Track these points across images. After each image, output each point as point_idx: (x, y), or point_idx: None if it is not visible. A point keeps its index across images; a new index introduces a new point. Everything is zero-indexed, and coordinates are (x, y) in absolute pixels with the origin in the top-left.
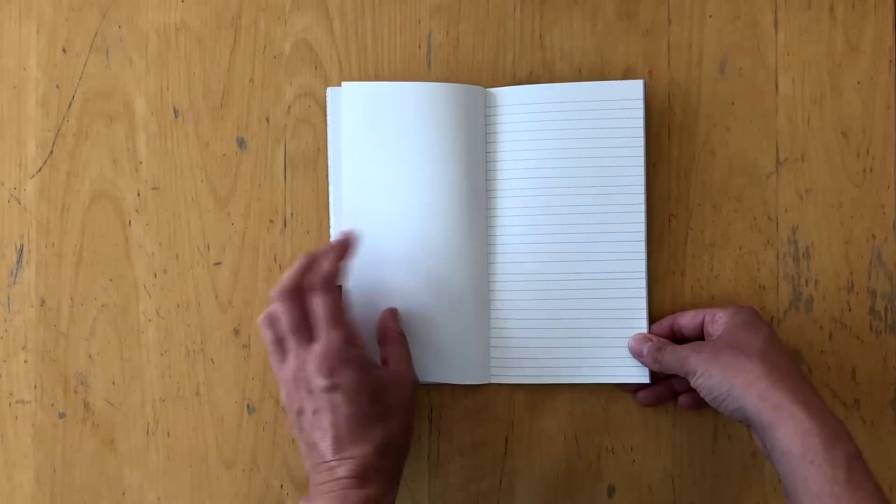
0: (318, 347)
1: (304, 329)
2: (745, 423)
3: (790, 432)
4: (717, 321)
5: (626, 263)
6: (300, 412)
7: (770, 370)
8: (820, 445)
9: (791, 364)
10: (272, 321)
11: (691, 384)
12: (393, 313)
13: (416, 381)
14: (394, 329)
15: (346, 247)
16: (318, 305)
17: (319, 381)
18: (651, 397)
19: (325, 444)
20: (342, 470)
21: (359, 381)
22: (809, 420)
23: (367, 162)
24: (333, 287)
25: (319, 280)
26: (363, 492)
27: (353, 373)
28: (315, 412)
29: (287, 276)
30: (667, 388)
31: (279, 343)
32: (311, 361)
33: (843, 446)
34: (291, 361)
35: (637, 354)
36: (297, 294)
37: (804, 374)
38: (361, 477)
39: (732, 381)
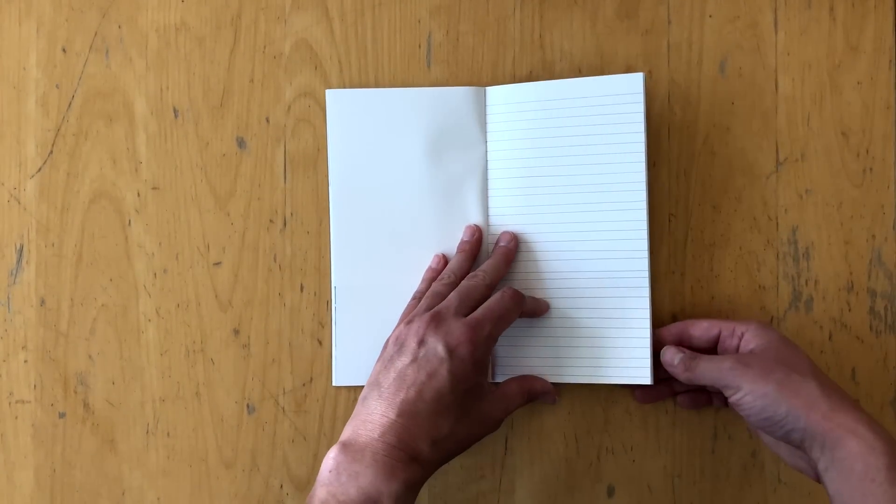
0: (470, 321)
1: (476, 303)
2: (797, 445)
3: (854, 451)
4: (741, 336)
5: (628, 262)
6: (399, 352)
7: (827, 391)
8: (883, 465)
9: (837, 384)
10: (451, 278)
11: (731, 400)
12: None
13: (502, 421)
14: (539, 382)
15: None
16: (500, 301)
17: (439, 346)
18: (648, 395)
19: (398, 398)
20: (394, 436)
21: (468, 373)
22: (875, 438)
23: (363, 166)
24: (519, 303)
25: (516, 293)
26: (406, 472)
27: (470, 364)
28: (412, 363)
29: (475, 251)
30: (666, 387)
31: (438, 294)
32: (455, 324)
33: None
34: (439, 307)
35: (668, 364)
36: (486, 284)
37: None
38: (409, 456)
39: (791, 401)
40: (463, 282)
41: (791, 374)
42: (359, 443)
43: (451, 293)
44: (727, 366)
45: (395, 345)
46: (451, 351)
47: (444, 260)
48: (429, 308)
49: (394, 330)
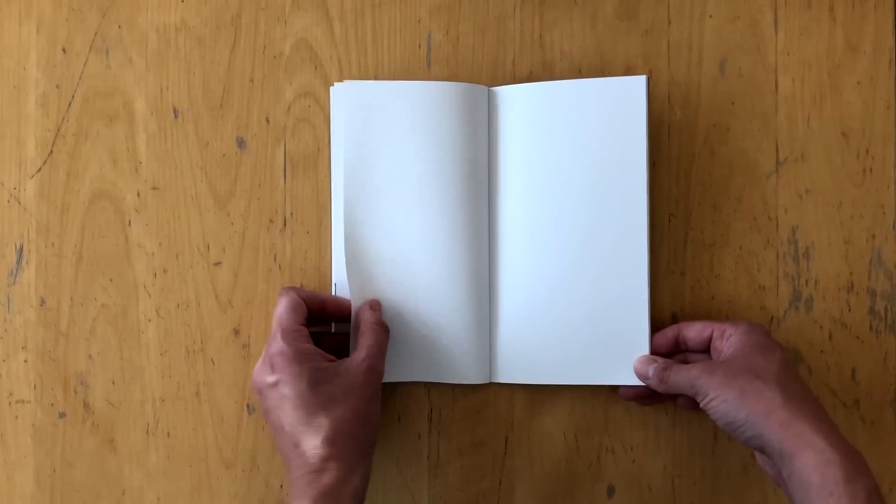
0: (264, 352)
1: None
2: (759, 450)
3: (811, 463)
4: (728, 338)
5: (627, 263)
6: (264, 416)
7: (789, 398)
8: (841, 478)
9: (808, 391)
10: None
11: (701, 406)
12: (372, 304)
13: (373, 367)
14: (366, 320)
15: (338, 306)
16: (274, 314)
17: (265, 380)
18: (631, 392)
19: (281, 441)
20: (298, 464)
21: (298, 373)
22: (831, 451)
23: (367, 160)
24: (286, 291)
25: (282, 289)
26: (319, 483)
27: (293, 366)
28: (267, 412)
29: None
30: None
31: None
32: (258, 366)
33: (864, 480)
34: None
35: (643, 377)
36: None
37: (820, 402)
38: (317, 469)
39: (751, 408)
40: None
41: (755, 380)
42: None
43: None
44: (694, 374)
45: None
46: (261, 385)
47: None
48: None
49: None
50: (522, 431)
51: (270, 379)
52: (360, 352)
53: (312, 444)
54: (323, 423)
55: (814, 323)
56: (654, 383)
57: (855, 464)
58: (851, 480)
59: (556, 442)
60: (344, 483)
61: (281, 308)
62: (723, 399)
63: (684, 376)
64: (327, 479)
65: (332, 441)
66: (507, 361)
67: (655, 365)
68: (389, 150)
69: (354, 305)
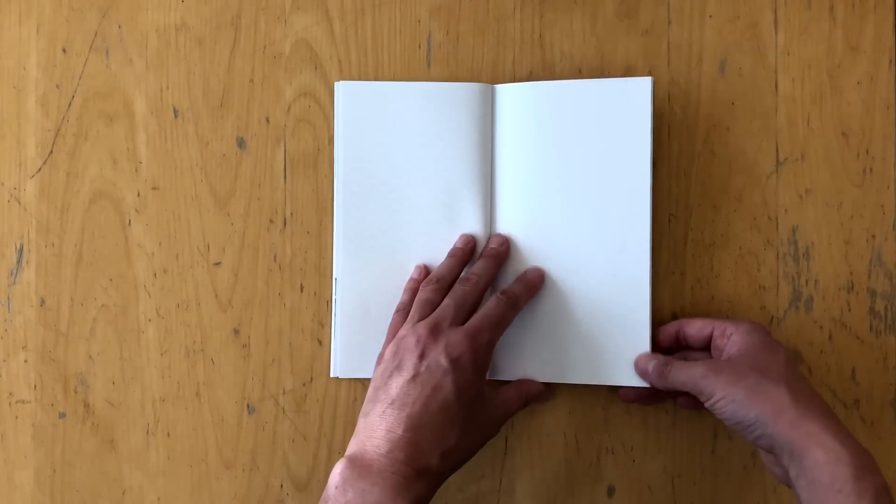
0: (469, 329)
1: (471, 309)
2: (767, 450)
3: (820, 461)
4: (729, 337)
5: (629, 263)
6: (400, 367)
7: (797, 397)
8: (850, 476)
9: (813, 390)
10: (439, 285)
11: (707, 405)
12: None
13: (499, 429)
14: (534, 385)
15: (535, 281)
16: (496, 307)
17: (441, 357)
18: (632, 395)
19: (403, 413)
20: (403, 452)
21: (472, 382)
22: (841, 449)
23: (367, 160)
24: (514, 304)
25: (509, 294)
26: (416, 488)
27: (473, 373)
28: (415, 377)
29: (467, 258)
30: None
31: (429, 302)
32: (454, 334)
33: (872, 478)
34: (435, 318)
35: (643, 373)
36: (478, 288)
37: (825, 400)
38: (419, 472)
39: (760, 408)
40: (456, 287)
41: (762, 379)
42: (365, 459)
43: (446, 300)
44: (699, 373)
45: (394, 359)
46: (453, 362)
47: (426, 270)
48: (422, 317)
49: (386, 342)
50: (522, 431)
51: (447, 360)
52: (513, 403)
53: (429, 448)
54: (451, 437)
55: (814, 323)
56: (654, 379)
57: (864, 462)
58: (860, 478)
59: (556, 442)
60: (428, 497)
61: (509, 314)
62: (731, 399)
63: (687, 374)
64: (422, 490)
65: (444, 458)
66: (507, 360)
67: (656, 361)
68: (391, 150)
69: (348, 300)
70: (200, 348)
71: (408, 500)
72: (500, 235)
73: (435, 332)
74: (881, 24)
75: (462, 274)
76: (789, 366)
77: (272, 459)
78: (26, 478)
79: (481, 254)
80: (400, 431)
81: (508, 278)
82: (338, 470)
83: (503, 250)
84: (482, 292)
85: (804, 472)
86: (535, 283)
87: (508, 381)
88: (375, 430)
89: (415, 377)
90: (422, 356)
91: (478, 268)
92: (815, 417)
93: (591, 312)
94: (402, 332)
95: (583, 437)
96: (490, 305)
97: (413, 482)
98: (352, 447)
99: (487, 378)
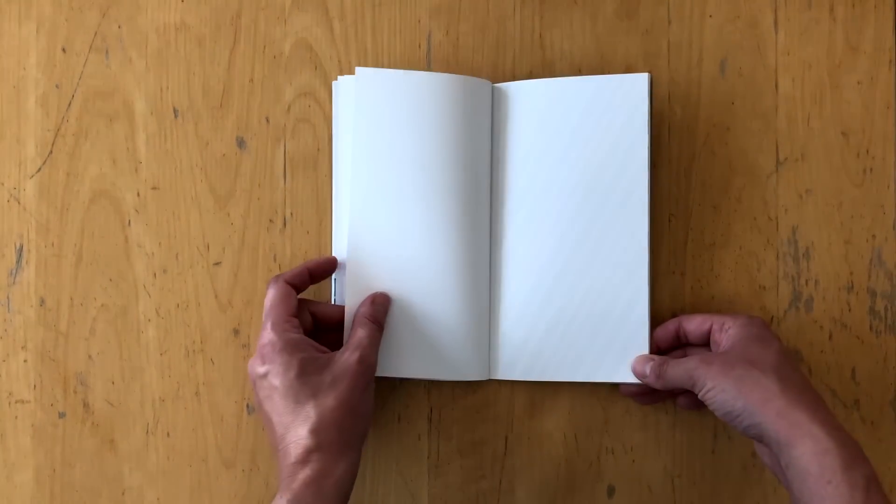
0: (257, 343)
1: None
2: (757, 439)
3: (808, 451)
4: (726, 331)
5: (628, 260)
6: (257, 409)
7: (786, 387)
8: (839, 466)
9: (805, 380)
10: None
11: (699, 397)
12: (375, 298)
13: (363, 358)
14: (361, 313)
15: (322, 265)
16: (268, 288)
17: (256, 371)
18: (633, 389)
19: (271, 433)
20: (286, 455)
21: (287, 362)
22: (829, 440)
23: (372, 151)
24: (277, 281)
25: (271, 279)
26: (302, 473)
27: (282, 356)
28: (258, 404)
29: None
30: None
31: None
32: (252, 358)
33: (861, 468)
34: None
35: (640, 375)
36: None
37: (817, 391)
38: (301, 461)
39: (748, 397)
40: None
41: (752, 370)
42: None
43: None
44: (692, 365)
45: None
46: (254, 375)
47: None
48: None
49: None
50: (522, 431)
51: (261, 370)
52: (351, 343)
53: (298, 434)
54: (310, 413)
55: (814, 323)
56: (651, 380)
57: (852, 452)
58: (849, 468)
59: (556, 442)
60: (327, 475)
61: (269, 298)
62: (720, 389)
63: (682, 369)
64: (310, 470)
65: (317, 432)
66: (506, 358)
67: (652, 363)
68: (392, 142)
69: (352, 297)
70: (200, 348)
71: (299, 481)
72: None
73: (251, 369)
74: (881, 24)
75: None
76: (781, 356)
77: (272, 459)
78: (26, 478)
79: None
80: (276, 449)
81: (508, 275)
82: None
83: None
84: (282, 280)
85: (793, 461)
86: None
87: (510, 383)
88: (277, 459)
89: (257, 408)
90: (253, 384)
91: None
92: (803, 407)
93: (590, 309)
94: None
95: (583, 437)
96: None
97: (299, 470)
98: None
99: (493, 378)
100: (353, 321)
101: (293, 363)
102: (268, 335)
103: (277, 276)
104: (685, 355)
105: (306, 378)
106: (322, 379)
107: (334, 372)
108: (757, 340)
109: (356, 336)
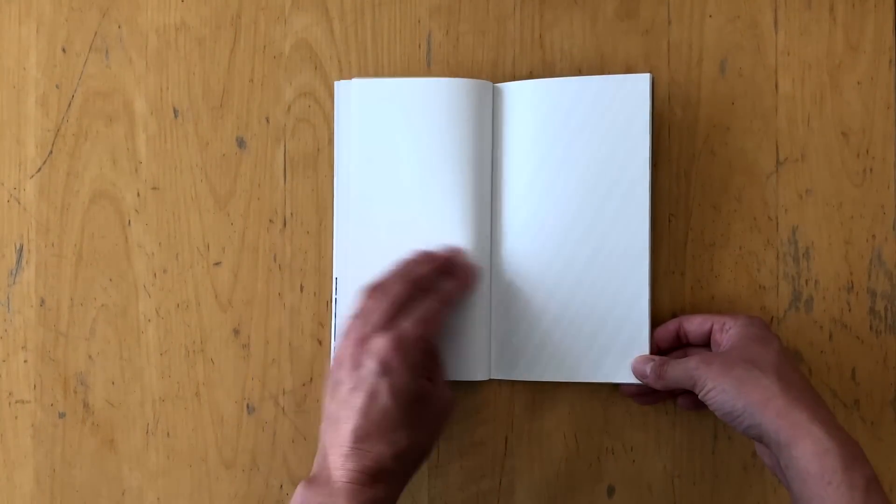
0: (391, 334)
1: (395, 314)
2: (757, 439)
3: (808, 452)
4: (727, 330)
5: (629, 260)
6: (338, 382)
7: (787, 387)
8: (839, 466)
9: (805, 381)
10: (379, 292)
11: (700, 397)
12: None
13: (455, 401)
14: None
15: (466, 275)
16: (426, 305)
17: (371, 364)
18: (633, 388)
19: (348, 427)
20: (354, 462)
21: (407, 382)
22: (829, 440)
23: (372, 157)
24: (446, 301)
25: (441, 291)
26: (370, 492)
27: (406, 373)
28: (352, 389)
29: (415, 266)
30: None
31: (368, 313)
32: (377, 342)
33: (861, 469)
34: (362, 330)
35: (641, 376)
36: (413, 286)
37: (817, 391)
38: (372, 476)
39: (749, 397)
40: (390, 288)
41: (752, 370)
42: (322, 476)
43: (381, 305)
44: (692, 365)
45: (336, 372)
46: (383, 366)
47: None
48: (358, 325)
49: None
50: (522, 431)
51: (376, 367)
52: (444, 383)
53: (379, 451)
54: (401, 439)
55: (814, 323)
56: (651, 381)
57: (852, 452)
58: (849, 469)
59: (556, 442)
60: (389, 501)
61: (436, 308)
62: (721, 389)
63: (682, 369)
64: (380, 492)
65: (398, 458)
66: (506, 358)
67: (653, 363)
68: (393, 147)
69: (347, 300)
70: (200, 348)
71: (361, 503)
72: (451, 247)
73: (363, 340)
74: (881, 24)
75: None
76: (782, 356)
77: (272, 459)
78: (26, 478)
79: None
80: (348, 446)
81: (509, 274)
82: (298, 490)
83: (449, 257)
84: (411, 292)
85: (793, 462)
86: (467, 278)
87: (511, 384)
88: (329, 446)
89: (352, 389)
90: (355, 367)
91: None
92: (803, 407)
93: (590, 309)
94: (338, 345)
95: (583, 437)
96: (420, 305)
97: (369, 487)
98: (313, 468)
99: (493, 378)
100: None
101: (412, 387)
102: (408, 343)
103: (447, 295)
104: (685, 355)
105: (414, 407)
106: (424, 414)
107: (436, 410)
108: (757, 340)
109: (443, 373)
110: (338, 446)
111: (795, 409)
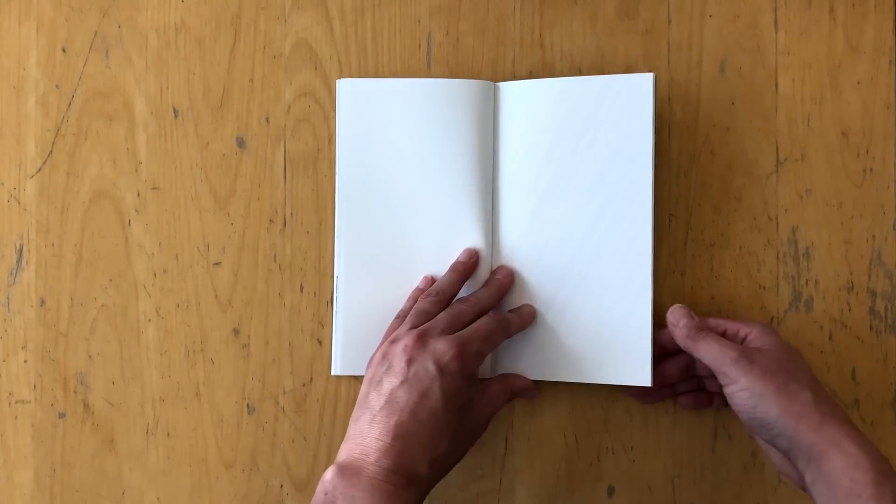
0: (455, 339)
1: (464, 325)
2: (784, 452)
3: (840, 466)
4: (744, 338)
5: (631, 263)
6: (386, 373)
7: (819, 402)
8: (869, 481)
9: (831, 396)
10: (441, 295)
11: (725, 390)
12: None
13: (485, 428)
14: (520, 380)
15: (529, 317)
16: (488, 322)
17: (429, 364)
18: (648, 395)
19: (392, 420)
20: (391, 459)
21: (461, 390)
22: (861, 455)
23: (373, 157)
24: (506, 328)
25: (504, 318)
26: (405, 495)
27: (462, 381)
28: (403, 384)
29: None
30: (666, 387)
31: (423, 314)
32: (442, 342)
33: (891, 484)
34: (426, 326)
35: (672, 324)
36: (478, 305)
37: (842, 406)
38: (408, 479)
39: (785, 408)
40: (454, 303)
41: (790, 381)
42: (354, 466)
43: (441, 313)
44: (733, 355)
45: (383, 364)
46: (441, 368)
47: (433, 281)
48: (414, 326)
49: (378, 348)
50: (522, 431)
51: (434, 366)
52: (498, 399)
53: (417, 456)
54: (440, 446)
55: (814, 323)
56: (680, 336)
57: (883, 468)
58: (879, 483)
59: (556, 442)
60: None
61: (503, 328)
62: (758, 394)
63: (719, 351)
64: (413, 496)
65: (433, 465)
66: (507, 358)
67: (689, 320)
68: (393, 148)
69: (349, 297)
70: (200, 348)
71: (401, 497)
72: (505, 267)
73: (423, 339)
74: (881, 24)
75: (462, 293)
76: (810, 370)
77: (272, 459)
78: (26, 478)
79: (486, 282)
80: (389, 440)
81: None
82: (327, 477)
83: (507, 282)
84: (478, 314)
85: (823, 476)
86: (528, 318)
87: None
88: (365, 437)
89: (403, 383)
90: (410, 362)
91: (480, 292)
92: (835, 423)
93: (592, 309)
94: (392, 337)
95: (583, 437)
96: (482, 320)
97: (403, 490)
98: (342, 454)
99: (490, 376)
100: (508, 377)
101: (463, 396)
102: (472, 352)
103: (516, 322)
104: (685, 357)
105: (459, 416)
106: (465, 425)
107: (475, 424)
108: (785, 351)
109: (495, 396)
110: (375, 438)
111: (828, 424)
